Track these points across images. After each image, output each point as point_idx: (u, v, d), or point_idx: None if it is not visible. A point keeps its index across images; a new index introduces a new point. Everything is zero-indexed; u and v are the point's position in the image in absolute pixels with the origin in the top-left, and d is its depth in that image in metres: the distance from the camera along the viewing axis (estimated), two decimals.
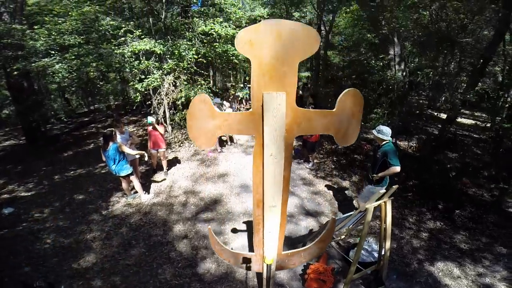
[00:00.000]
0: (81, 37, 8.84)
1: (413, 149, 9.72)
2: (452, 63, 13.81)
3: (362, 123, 8.67)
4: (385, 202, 3.65)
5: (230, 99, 12.54)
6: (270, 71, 1.80)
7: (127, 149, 6.10)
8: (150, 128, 7.57)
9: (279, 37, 1.69)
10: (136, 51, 7.83)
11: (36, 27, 9.24)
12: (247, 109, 15.06)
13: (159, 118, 8.39)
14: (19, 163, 10.31)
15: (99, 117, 17.05)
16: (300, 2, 16.97)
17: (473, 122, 14.77)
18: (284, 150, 2.03)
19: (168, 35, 9.65)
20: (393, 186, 3.62)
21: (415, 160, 8.46)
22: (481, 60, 8.40)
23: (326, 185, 7.54)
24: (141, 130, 13.40)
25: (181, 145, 10.72)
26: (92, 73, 7.96)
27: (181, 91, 8.81)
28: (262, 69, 1.79)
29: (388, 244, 3.92)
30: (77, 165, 9.64)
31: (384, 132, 4.57)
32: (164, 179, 8.02)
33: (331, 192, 7.21)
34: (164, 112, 9.56)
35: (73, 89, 13.92)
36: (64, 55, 8.49)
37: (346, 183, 7.69)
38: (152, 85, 8.20)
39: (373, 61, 11.84)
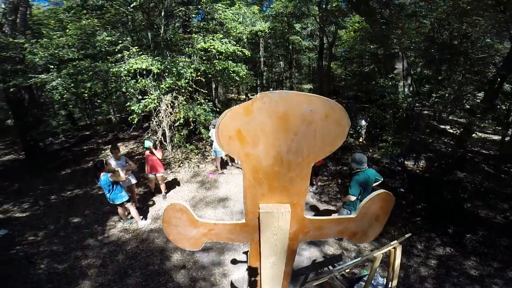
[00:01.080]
0: (80, 51, 8.52)
1: (421, 170, 9.21)
2: (458, 75, 13.15)
3: (369, 154, 8.30)
4: (394, 248, 3.35)
5: None
6: (270, 178, 1.24)
7: (120, 176, 5.82)
8: (147, 152, 7.20)
9: (285, 122, 1.09)
10: (132, 71, 7.33)
11: (33, 40, 8.94)
12: None
13: (156, 142, 7.89)
14: (17, 180, 10.07)
15: (101, 131, 16.63)
16: (302, 16, 16.64)
17: (481, 135, 13.94)
18: (287, 256, 1.57)
19: (167, 50, 9.23)
20: (406, 235, 3.51)
21: (423, 182, 7.98)
22: (498, 78, 7.78)
23: (330, 210, 7.07)
24: (141, 147, 12.94)
25: (181, 165, 10.27)
26: (86, 94, 7.43)
27: (179, 111, 8.32)
28: (258, 176, 1.23)
29: (395, 283, 3.56)
30: (74, 184, 9.32)
31: (357, 161, 4.68)
32: (163, 203, 7.64)
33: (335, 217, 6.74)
34: (164, 132, 9.08)
35: (72, 103, 13.51)
36: (62, 70, 8.09)
37: None
38: (149, 106, 7.70)
39: (379, 78, 11.27)
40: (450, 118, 13.79)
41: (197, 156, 10.54)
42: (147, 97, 7.76)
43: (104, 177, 5.54)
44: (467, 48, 9.50)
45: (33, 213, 7.57)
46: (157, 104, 7.92)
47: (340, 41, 19.84)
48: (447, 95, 8.17)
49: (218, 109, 14.13)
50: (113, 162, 6.32)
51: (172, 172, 9.76)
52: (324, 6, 15.72)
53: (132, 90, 7.80)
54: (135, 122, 7.85)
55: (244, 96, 25.87)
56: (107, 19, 9.40)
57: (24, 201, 8.25)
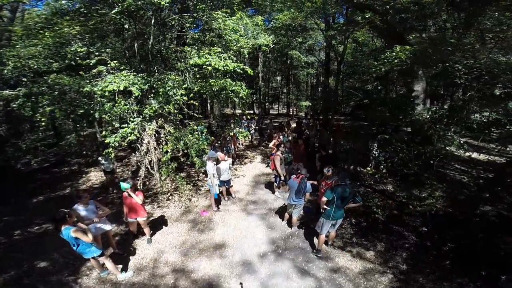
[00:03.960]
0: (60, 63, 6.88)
1: (443, 205, 7.66)
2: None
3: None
4: None
5: (227, 140, 10.45)
6: None
7: (86, 236, 4.61)
8: (125, 194, 5.72)
9: None
10: (106, 92, 5.60)
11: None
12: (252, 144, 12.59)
13: (136, 183, 6.12)
14: None
15: (84, 149, 14.69)
16: (304, 30, 15.39)
17: (490, 158, 12.31)
18: None
19: (156, 65, 7.59)
20: None
21: (446, 218, 6.80)
22: None
23: (346, 258, 5.91)
24: (127, 170, 11.26)
25: (170, 198, 8.52)
26: (43, 121, 5.58)
27: (166, 143, 6.56)
28: None
29: None
30: (45, 217, 7.70)
31: (341, 177, 5.51)
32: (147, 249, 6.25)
33: (353, 267, 5.68)
34: (151, 163, 7.25)
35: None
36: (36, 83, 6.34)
37: (370, 254, 6.01)
38: (129, 138, 5.92)
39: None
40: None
41: (189, 187, 8.86)
42: (126, 125, 5.99)
43: (65, 231, 4.42)
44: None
45: None
46: (138, 135, 6.10)
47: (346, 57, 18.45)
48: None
49: (214, 129, 12.46)
50: (81, 210, 5.20)
51: (159, 207, 8.12)
52: (331, 20, 14.43)
53: (106, 117, 6.01)
54: (112, 157, 6.05)
55: (240, 111, 24.35)
56: (91, 27, 7.81)
57: None
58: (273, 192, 8.74)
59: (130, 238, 6.54)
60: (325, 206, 5.44)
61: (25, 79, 6.98)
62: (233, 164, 10.60)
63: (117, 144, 5.76)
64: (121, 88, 5.59)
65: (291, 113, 26.74)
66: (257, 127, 15.30)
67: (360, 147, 9.75)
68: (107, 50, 6.71)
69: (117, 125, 5.84)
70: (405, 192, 7.60)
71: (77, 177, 11.10)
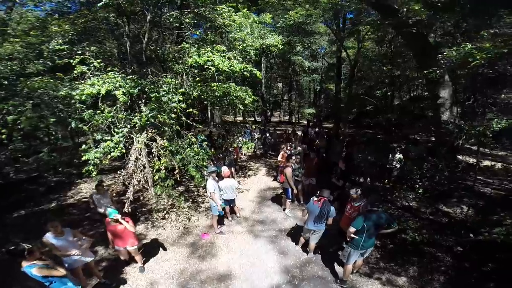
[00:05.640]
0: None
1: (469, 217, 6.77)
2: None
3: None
4: None
5: (230, 151, 9.32)
6: None
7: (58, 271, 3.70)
8: (108, 220, 4.69)
9: None
10: (83, 97, 4.47)
11: None
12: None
13: (125, 209, 4.99)
14: None
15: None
16: (308, 35, 14.48)
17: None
18: None
19: (150, 67, 6.54)
20: None
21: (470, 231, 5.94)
22: None
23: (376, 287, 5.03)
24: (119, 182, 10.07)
25: (167, 216, 7.37)
26: (3, 133, 4.46)
27: (159, 159, 5.47)
28: None
29: None
30: (23, 234, 6.58)
31: (371, 202, 4.67)
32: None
33: None
34: (145, 178, 6.07)
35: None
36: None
37: (402, 281, 5.12)
38: (112, 154, 4.76)
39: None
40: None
41: (187, 204, 7.74)
42: (109, 138, 4.84)
43: (27, 269, 3.47)
44: None
45: None
46: (122, 151, 4.90)
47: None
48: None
49: (215, 138, 11.29)
50: (52, 240, 4.17)
51: (153, 227, 6.97)
52: (341, 22, 13.42)
53: (85, 127, 4.80)
54: (93, 176, 4.88)
55: (241, 118, 23.23)
56: (82, 25, 6.79)
57: None
58: (284, 209, 7.61)
59: (120, 264, 5.42)
60: (353, 235, 4.55)
61: (6, 82, 5.97)
62: (235, 173, 9.57)
63: (98, 162, 4.61)
64: (102, 92, 4.48)
65: (293, 121, 25.71)
66: (260, 136, 14.29)
67: (377, 159, 8.68)
68: (91, 48, 5.60)
69: (98, 137, 4.69)
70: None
71: (65, 189, 9.90)
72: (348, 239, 4.71)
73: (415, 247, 5.82)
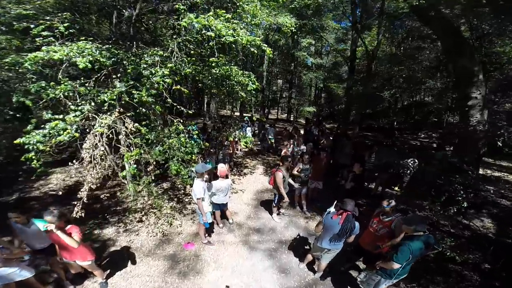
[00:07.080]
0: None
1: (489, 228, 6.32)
2: None
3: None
4: None
5: (225, 145, 8.07)
6: None
7: None
8: (52, 232, 3.29)
9: None
10: (35, 66, 3.20)
11: None
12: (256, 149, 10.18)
13: (68, 215, 3.65)
14: None
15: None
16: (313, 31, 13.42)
17: None
18: None
19: (135, 40, 5.26)
20: None
21: (498, 246, 5.36)
22: None
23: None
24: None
25: (144, 218, 6.09)
26: None
27: (128, 148, 4.10)
28: None
29: None
30: None
31: (417, 223, 3.47)
32: None
33: None
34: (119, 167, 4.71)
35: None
36: None
37: None
38: (59, 138, 3.44)
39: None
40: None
41: (171, 204, 6.46)
42: (60, 117, 3.50)
43: None
44: None
45: None
46: (75, 134, 3.51)
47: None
48: None
49: (209, 130, 9.96)
50: None
51: (126, 231, 5.68)
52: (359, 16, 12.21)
53: (28, 102, 3.48)
54: (39, 171, 3.54)
55: (238, 113, 21.89)
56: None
57: None
58: (278, 214, 6.48)
59: (78, 278, 4.22)
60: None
61: None
62: (230, 170, 8.37)
63: (40, 147, 3.29)
64: (56, 58, 3.22)
65: (291, 119, 24.51)
66: (259, 132, 13.10)
67: (391, 164, 7.61)
68: (63, 15, 4.27)
69: (47, 116, 3.38)
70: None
71: (33, 179, 8.48)
72: (377, 267, 3.72)
73: (438, 265, 4.97)
